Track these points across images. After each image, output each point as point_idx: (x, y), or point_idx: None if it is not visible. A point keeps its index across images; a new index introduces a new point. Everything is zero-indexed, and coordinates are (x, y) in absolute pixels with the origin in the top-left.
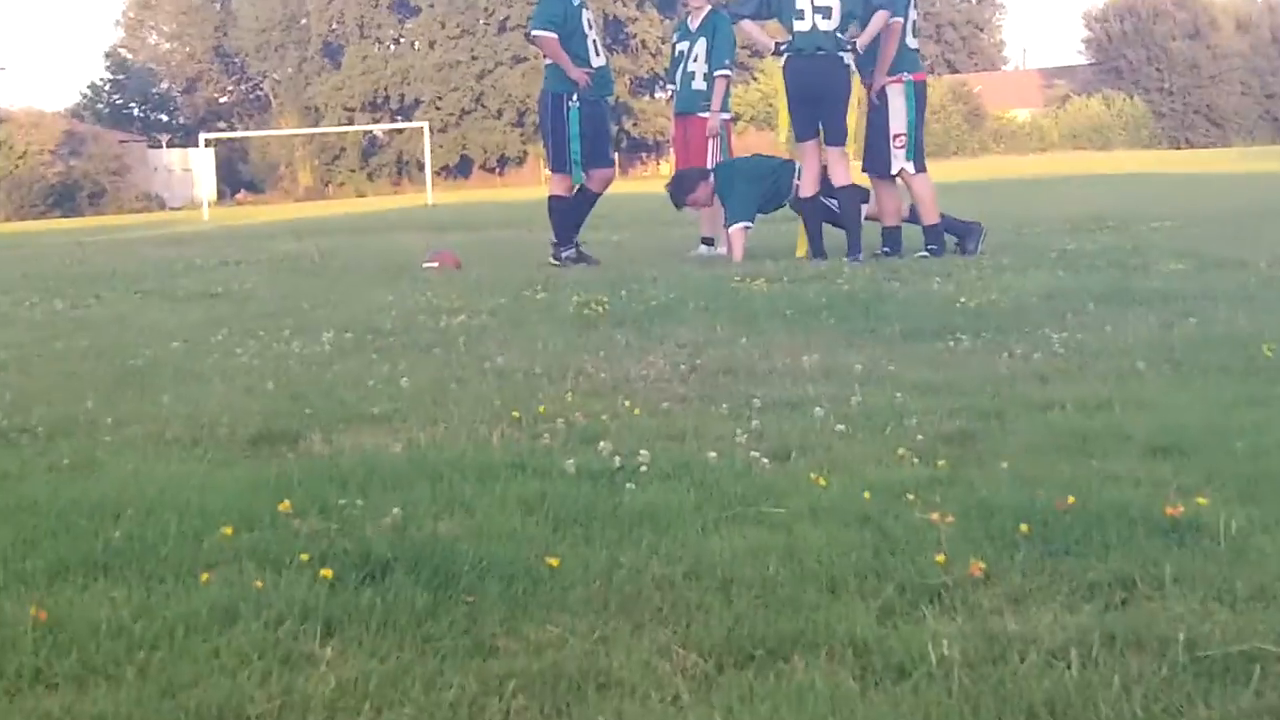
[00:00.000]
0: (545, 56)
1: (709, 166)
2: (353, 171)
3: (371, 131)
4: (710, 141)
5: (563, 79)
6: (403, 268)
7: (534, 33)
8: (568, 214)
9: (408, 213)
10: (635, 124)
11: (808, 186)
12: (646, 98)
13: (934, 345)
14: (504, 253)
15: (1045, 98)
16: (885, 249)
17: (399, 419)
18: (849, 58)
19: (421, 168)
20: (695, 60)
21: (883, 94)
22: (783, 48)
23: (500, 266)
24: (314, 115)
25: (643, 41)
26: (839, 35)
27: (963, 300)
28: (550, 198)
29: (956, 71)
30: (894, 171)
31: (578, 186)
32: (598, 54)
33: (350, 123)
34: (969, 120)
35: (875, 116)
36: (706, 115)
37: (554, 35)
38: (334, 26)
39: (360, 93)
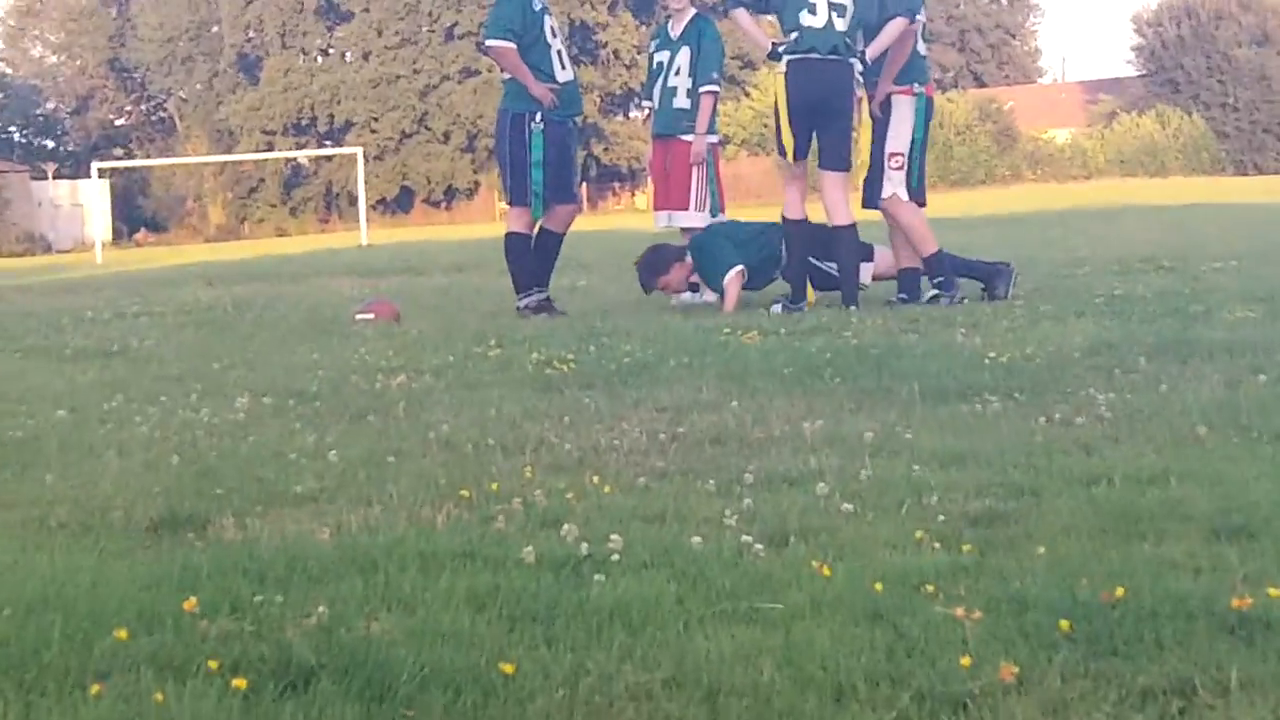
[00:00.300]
0: (502, 70)
1: (689, 209)
2: (273, 206)
3: (295, 159)
4: (694, 170)
5: (523, 96)
6: (332, 320)
7: (489, 43)
8: (529, 256)
9: (338, 254)
10: (606, 149)
11: (791, 209)
12: (619, 118)
13: (958, 408)
14: (451, 302)
15: (1089, 115)
16: (901, 295)
17: (326, 499)
18: (858, 68)
19: (354, 201)
20: (677, 73)
21: (886, 105)
22: (782, 49)
23: (447, 318)
24: (227, 140)
25: (615, 52)
26: (849, 40)
27: (992, 355)
28: (508, 236)
29: (984, 85)
30: (884, 196)
31: (538, 224)
32: (564, 67)
33: (270, 148)
34: (999, 142)
35: (876, 133)
36: (690, 138)
37: (512, 45)
38: (250, 35)
39: (282, 113)
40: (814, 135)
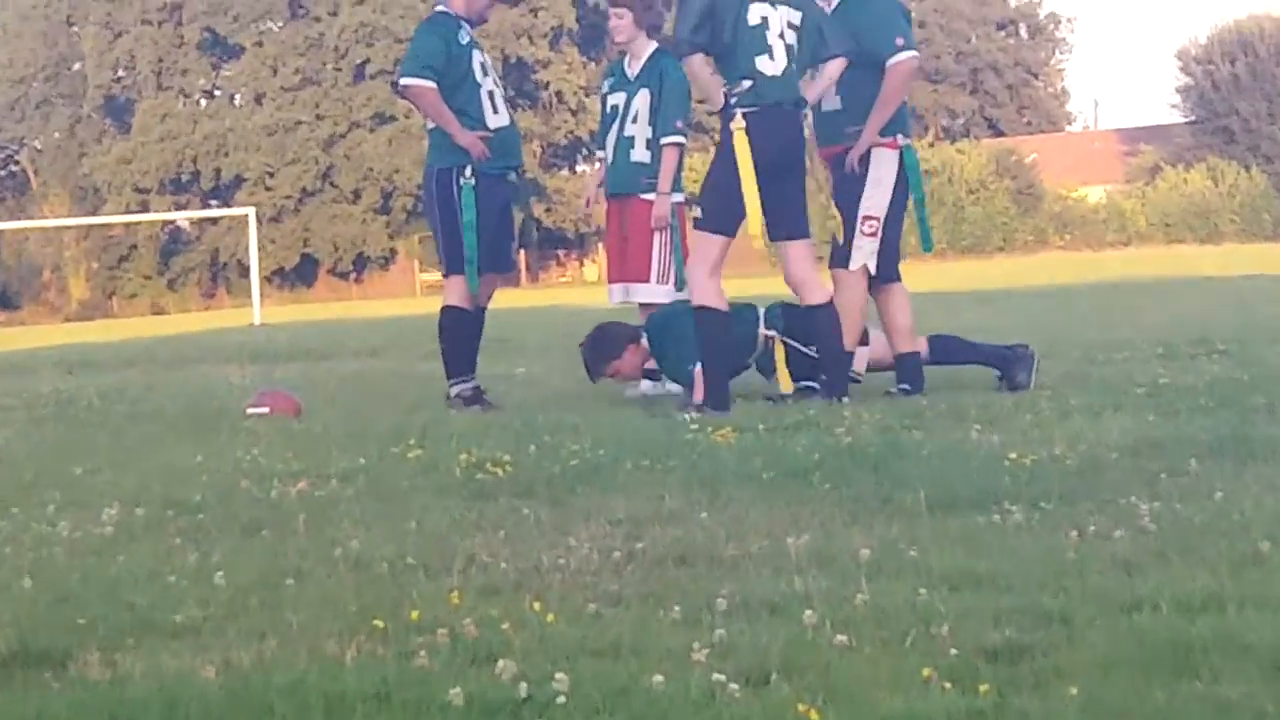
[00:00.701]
0: (425, 117)
1: (650, 281)
2: (148, 278)
3: (174, 222)
4: (656, 235)
5: (449, 148)
6: (218, 415)
7: (404, 82)
8: (466, 336)
9: (226, 335)
10: (549, 209)
11: (704, 293)
12: (564, 172)
13: (972, 520)
14: (363, 392)
15: (1126, 169)
16: (903, 386)
17: (212, 630)
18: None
19: (246, 272)
20: (634, 120)
21: (866, 161)
22: (734, 101)
23: (357, 412)
24: (92, 199)
25: (558, 94)
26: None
27: (1013, 456)
28: (443, 311)
29: (1001, 134)
30: (853, 268)
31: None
32: (496, 110)
33: (144, 209)
34: (1020, 201)
35: (847, 190)
36: (651, 197)
37: (432, 85)
38: (120, 75)
39: (158, 167)
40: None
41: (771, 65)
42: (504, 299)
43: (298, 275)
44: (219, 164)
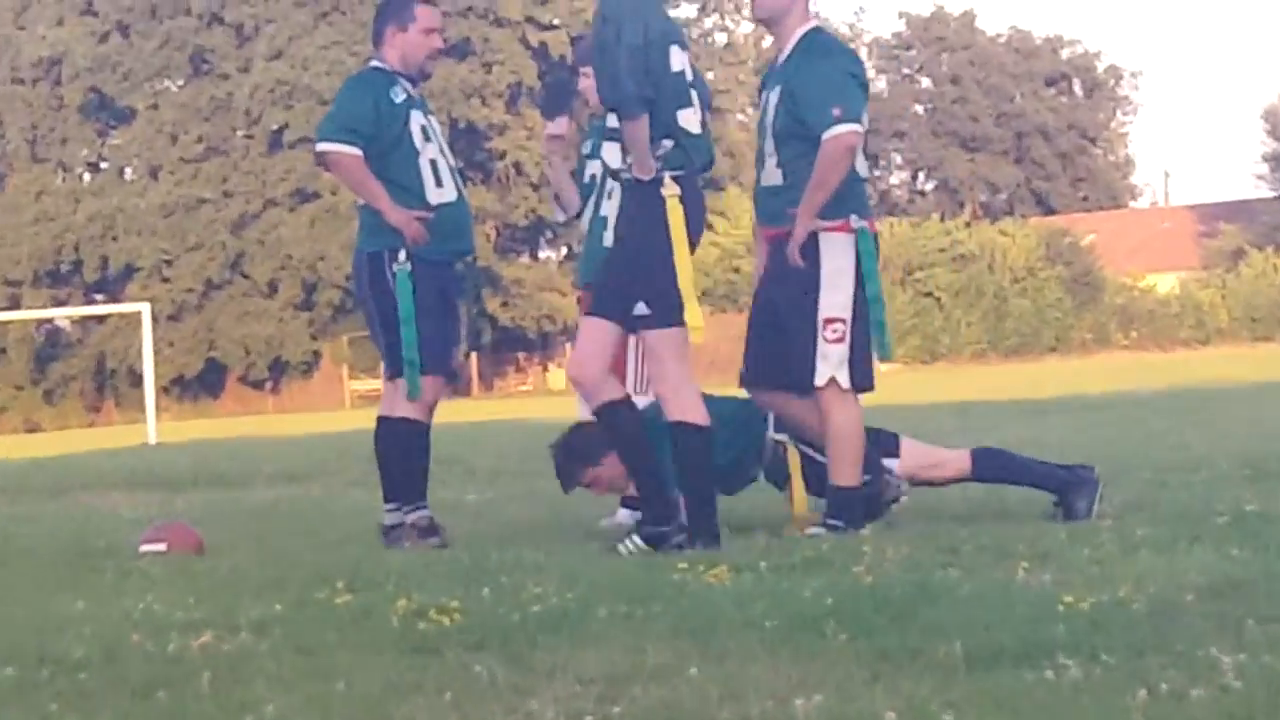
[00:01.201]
0: (359, 196)
1: (628, 388)
2: (19, 389)
3: (52, 320)
4: (631, 340)
5: (381, 228)
6: (105, 553)
7: (321, 147)
8: (416, 452)
9: (115, 457)
10: (506, 304)
11: (680, 405)
12: (524, 259)
13: (1019, 677)
14: (280, 526)
15: (1203, 253)
16: (830, 520)
17: None
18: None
19: (139, 381)
20: (610, 196)
21: (813, 246)
22: (660, 164)
23: (273, 549)
24: None
25: (516, 165)
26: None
27: (1068, 600)
28: (382, 423)
29: (1052, 211)
30: (819, 383)
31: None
32: (440, 183)
33: (14, 305)
34: (1076, 291)
35: (788, 284)
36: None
37: (355, 151)
38: None
39: (31, 254)
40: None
41: (692, 120)
42: (450, 411)
43: (201, 384)
44: (106, 251)
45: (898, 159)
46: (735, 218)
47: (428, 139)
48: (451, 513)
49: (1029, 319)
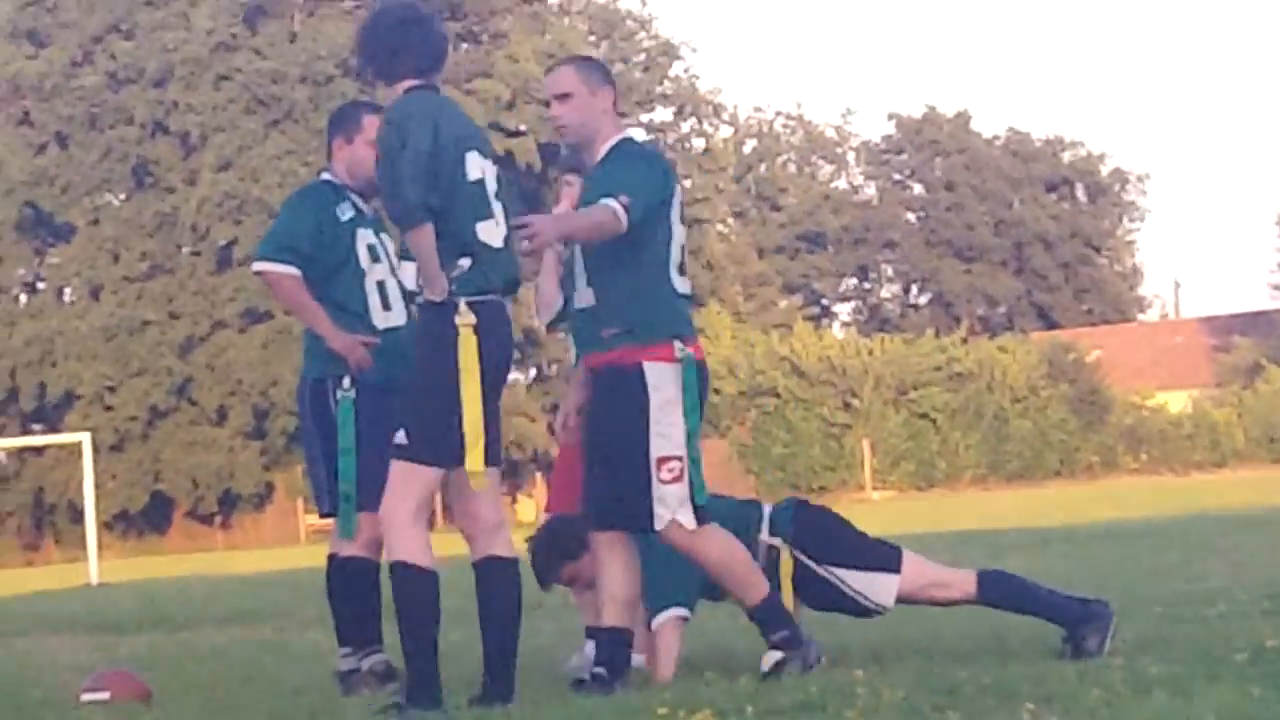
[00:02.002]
0: (298, 318)
1: None
2: None
3: None
4: None
5: (324, 353)
6: (41, 704)
7: (257, 266)
8: (361, 593)
9: (53, 599)
10: None
11: (404, 544)
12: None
13: None
14: (231, 672)
15: (1218, 369)
16: (597, 669)
17: None
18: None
19: (79, 516)
20: None
21: (638, 377)
22: (456, 286)
23: (223, 698)
24: None
25: None
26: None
27: None
28: (330, 561)
29: (1055, 325)
30: (659, 526)
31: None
32: (388, 306)
33: None
34: (1081, 411)
35: (614, 420)
36: None
37: (293, 271)
38: None
39: None
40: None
41: (496, 234)
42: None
43: (146, 520)
44: (44, 377)
45: (889, 270)
46: (715, 336)
47: (375, 259)
48: None
49: (1031, 441)
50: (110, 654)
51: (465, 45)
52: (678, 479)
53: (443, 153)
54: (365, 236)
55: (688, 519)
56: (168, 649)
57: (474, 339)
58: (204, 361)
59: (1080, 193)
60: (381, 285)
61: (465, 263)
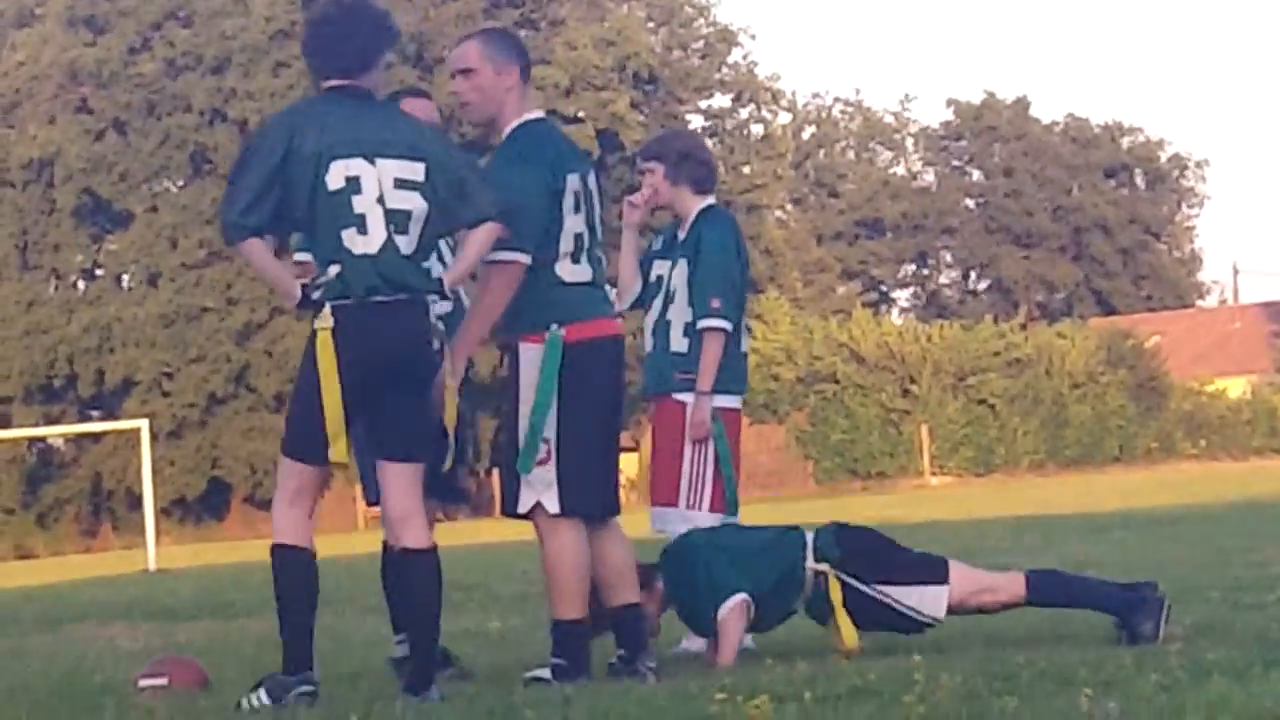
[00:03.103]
0: None
1: (679, 505)
2: (9, 513)
3: (44, 440)
4: (692, 450)
5: None
6: (102, 690)
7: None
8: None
9: (111, 586)
10: None
11: (281, 528)
12: None
13: None
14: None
15: (1276, 355)
16: (620, 653)
17: None
18: (441, 307)
19: (137, 503)
20: (674, 300)
21: (512, 360)
22: (318, 294)
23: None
24: None
25: None
26: (423, 264)
27: None
28: (385, 548)
29: (1113, 311)
30: (523, 510)
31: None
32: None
33: (4, 424)
34: (1139, 397)
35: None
36: (686, 397)
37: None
38: None
39: (22, 369)
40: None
41: (364, 241)
42: (471, 533)
43: (204, 506)
44: (102, 364)
45: (947, 257)
46: (774, 322)
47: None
48: (473, 642)
49: (1089, 427)
50: (168, 640)
51: (523, 32)
52: (544, 461)
53: (301, 163)
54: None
55: (551, 503)
56: (226, 635)
57: (330, 342)
58: (262, 348)
59: (1139, 179)
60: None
61: (334, 270)
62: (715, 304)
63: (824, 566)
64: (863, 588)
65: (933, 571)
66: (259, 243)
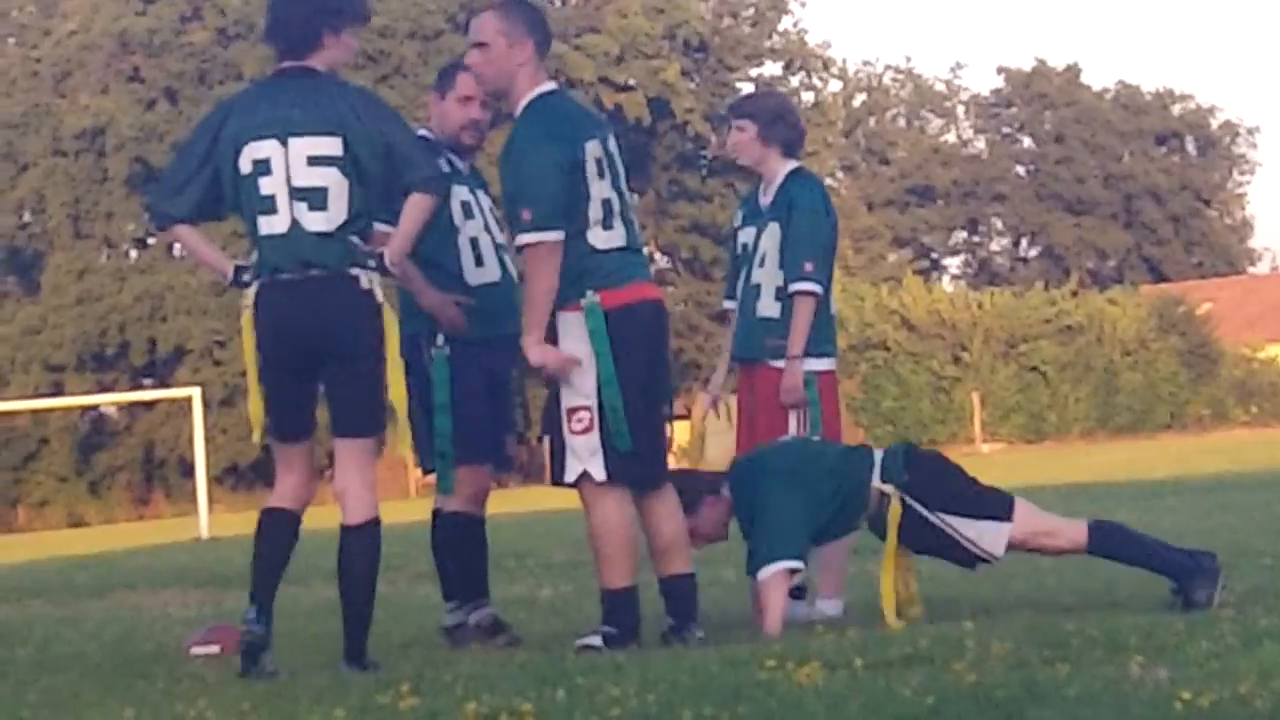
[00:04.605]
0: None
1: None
2: (63, 480)
3: (97, 407)
4: (792, 416)
5: (418, 310)
6: (154, 657)
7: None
8: (465, 548)
9: (163, 553)
10: None
11: (281, 497)
12: None
13: None
14: (340, 625)
15: None
16: (670, 623)
17: None
18: (370, 280)
19: (189, 471)
20: (763, 264)
21: (551, 330)
22: (248, 276)
23: (334, 650)
24: None
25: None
26: (352, 239)
27: (1185, 696)
28: (435, 516)
29: (1165, 278)
30: (570, 479)
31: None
32: (481, 262)
33: (57, 392)
34: (1191, 364)
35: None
36: (781, 364)
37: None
38: (25, 220)
39: (75, 338)
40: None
41: (272, 223)
42: (524, 500)
43: (256, 473)
44: (153, 332)
45: (998, 224)
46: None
47: (469, 215)
48: (525, 609)
49: (1141, 394)
50: (220, 608)
51: (574, 0)
52: (587, 429)
53: (223, 149)
54: (459, 193)
55: (598, 471)
56: (277, 603)
57: (250, 320)
58: None
59: (1190, 145)
60: (475, 242)
61: (255, 254)
62: (809, 267)
63: (889, 488)
64: (925, 512)
65: (998, 507)
66: (183, 228)
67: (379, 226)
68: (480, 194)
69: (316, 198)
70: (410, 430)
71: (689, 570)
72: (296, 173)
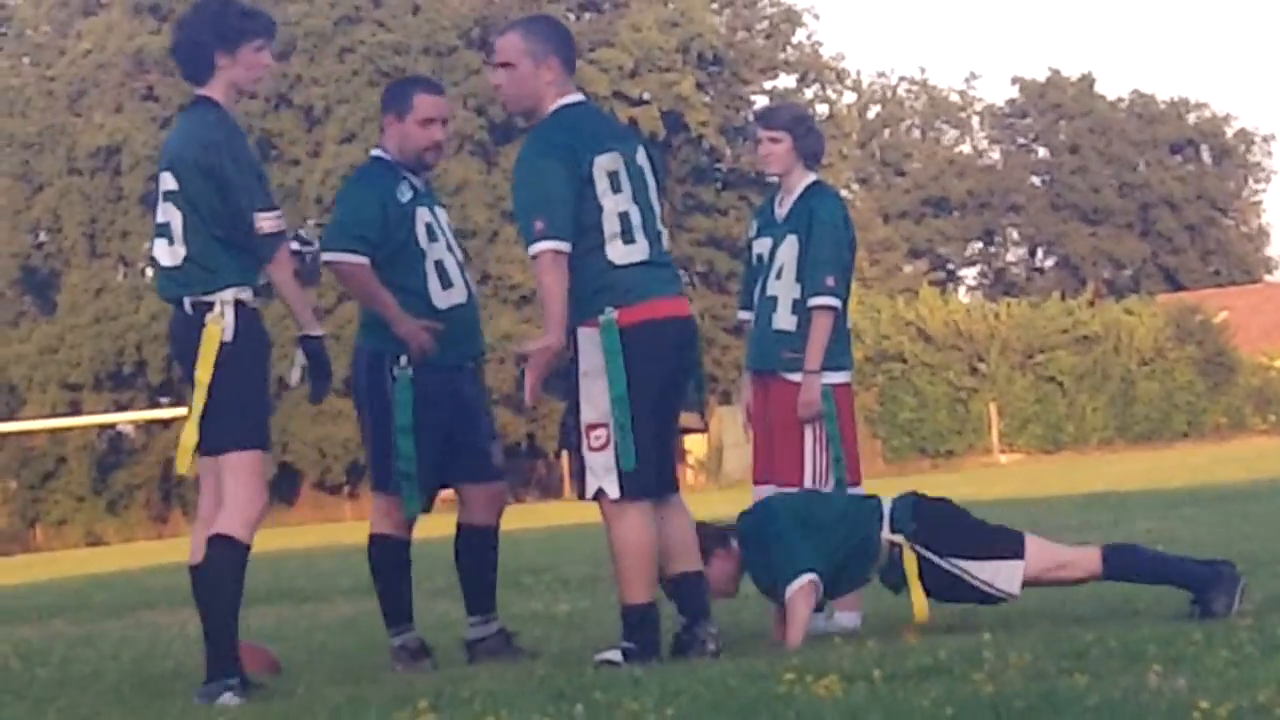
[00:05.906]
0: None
1: (805, 483)
2: (80, 500)
3: (114, 426)
4: (808, 429)
5: (382, 328)
6: (172, 676)
7: (328, 258)
8: (402, 571)
9: (181, 573)
10: None
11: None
12: None
13: None
14: (360, 642)
15: None
16: (681, 620)
17: None
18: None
19: None
20: (779, 275)
21: (572, 345)
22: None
23: (352, 668)
24: (6, 398)
25: None
26: (183, 265)
27: (1204, 706)
28: (371, 540)
29: (1181, 287)
30: (589, 494)
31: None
32: (448, 284)
33: (74, 411)
34: (1208, 372)
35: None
36: (797, 377)
37: (364, 261)
38: (41, 239)
39: (92, 356)
40: None
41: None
42: (540, 515)
43: (274, 491)
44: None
45: (1014, 234)
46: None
47: (433, 238)
48: (543, 625)
49: (1158, 403)
50: (240, 627)
51: (588, 14)
52: (603, 446)
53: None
54: (423, 215)
55: (612, 488)
56: (296, 621)
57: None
58: (329, 332)
59: (1205, 154)
60: (440, 264)
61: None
62: (830, 282)
63: (899, 538)
64: (936, 560)
65: (1009, 546)
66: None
67: (292, 244)
68: (439, 211)
69: (166, 231)
70: (368, 450)
71: (699, 568)
72: (160, 207)
